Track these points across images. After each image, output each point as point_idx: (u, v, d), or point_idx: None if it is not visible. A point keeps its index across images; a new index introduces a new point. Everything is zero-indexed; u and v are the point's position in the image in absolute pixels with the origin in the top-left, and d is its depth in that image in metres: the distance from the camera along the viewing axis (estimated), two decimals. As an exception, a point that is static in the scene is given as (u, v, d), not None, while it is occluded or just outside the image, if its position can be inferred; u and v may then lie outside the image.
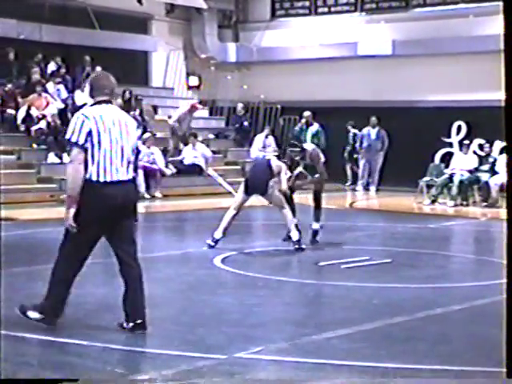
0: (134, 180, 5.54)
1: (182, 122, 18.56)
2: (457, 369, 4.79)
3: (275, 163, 9.62)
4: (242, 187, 9.60)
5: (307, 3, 21.72)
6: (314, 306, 6.68)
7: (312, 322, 5.96)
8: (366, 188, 19.50)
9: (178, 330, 5.70)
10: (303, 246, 9.37)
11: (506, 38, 3.18)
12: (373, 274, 8.15)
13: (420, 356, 5.02)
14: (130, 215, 5.60)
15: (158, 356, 4.91)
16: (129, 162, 5.41)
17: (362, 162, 19.62)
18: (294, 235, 9.39)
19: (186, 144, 18.18)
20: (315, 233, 10.05)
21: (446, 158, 17.05)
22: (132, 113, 18.78)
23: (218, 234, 9.43)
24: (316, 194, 10.21)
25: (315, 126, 19.69)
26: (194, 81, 22.46)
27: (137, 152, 13.86)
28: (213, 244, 9.38)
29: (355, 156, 19.96)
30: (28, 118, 16.96)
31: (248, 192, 9.51)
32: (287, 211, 9.50)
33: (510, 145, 3.28)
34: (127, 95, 18.86)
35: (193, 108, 18.87)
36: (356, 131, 19.97)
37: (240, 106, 21.16)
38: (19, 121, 16.93)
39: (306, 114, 19.69)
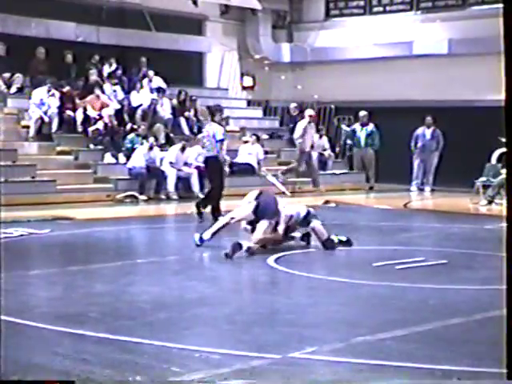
0: None
1: (305, 135, 18.07)
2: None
3: (282, 206, 9.49)
4: (251, 207, 9.27)
5: (362, 3, 21.62)
6: (369, 306, 6.65)
7: (367, 323, 5.93)
8: (421, 188, 19.33)
9: (232, 329, 5.74)
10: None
11: (506, 39, 3.18)
12: (428, 274, 8.08)
13: (477, 358, 4.96)
14: None
15: (212, 355, 4.94)
16: None
17: (416, 162, 19.44)
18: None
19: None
20: None
21: (503, 158, 16.78)
22: (187, 113, 18.97)
23: (206, 235, 9.26)
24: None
25: (370, 126, 19.61)
26: (248, 81, 22.55)
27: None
28: (199, 244, 9.23)
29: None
30: (85, 119, 17.25)
31: (257, 215, 9.22)
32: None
33: (510, 145, 3.28)
34: (182, 96, 19.04)
35: (311, 118, 18.37)
36: (347, 129, 20.00)
37: (293, 105, 21.14)
38: (78, 122, 17.23)
39: (362, 113, 19.60)
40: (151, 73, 19.02)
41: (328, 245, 9.51)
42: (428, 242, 10.88)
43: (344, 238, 9.70)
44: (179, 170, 16.48)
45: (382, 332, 5.54)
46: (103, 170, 16.55)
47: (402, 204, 16.20)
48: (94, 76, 18.05)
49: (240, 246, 8.75)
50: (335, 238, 9.66)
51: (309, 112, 18.51)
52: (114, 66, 18.95)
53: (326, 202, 15.79)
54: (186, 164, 16.69)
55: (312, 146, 18.16)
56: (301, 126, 18.13)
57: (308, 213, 9.54)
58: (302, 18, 22.93)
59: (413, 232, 12.24)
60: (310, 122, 18.13)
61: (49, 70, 17.78)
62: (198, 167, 16.62)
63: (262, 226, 9.19)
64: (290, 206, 9.74)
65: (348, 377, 4.64)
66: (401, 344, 5.30)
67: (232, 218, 9.37)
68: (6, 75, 17.49)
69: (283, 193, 16.32)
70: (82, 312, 6.08)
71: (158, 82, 19.00)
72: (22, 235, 10.46)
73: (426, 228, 12.72)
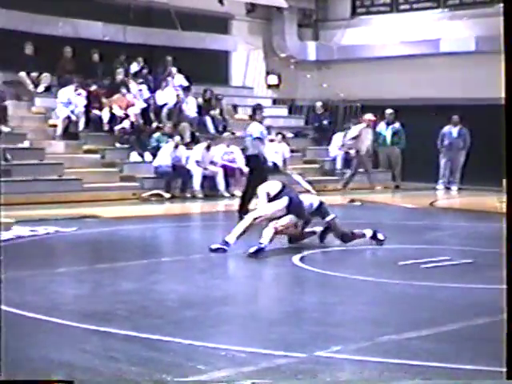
0: None
1: (359, 137, 17.64)
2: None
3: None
4: (284, 203, 9.16)
5: (388, 0, 21.53)
6: (395, 305, 6.63)
7: (392, 322, 5.92)
8: (447, 187, 19.23)
9: (258, 327, 5.76)
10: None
11: (507, 39, 3.18)
12: (454, 274, 8.04)
13: (504, 358, 4.92)
14: None
15: (238, 353, 4.96)
16: None
17: (443, 161, 19.35)
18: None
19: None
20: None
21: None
22: (212, 112, 19.01)
23: (231, 239, 8.97)
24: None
25: (396, 125, 19.52)
26: (273, 80, 22.55)
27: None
28: (226, 249, 8.90)
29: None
30: (112, 118, 17.36)
31: (290, 210, 9.15)
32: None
33: (510, 145, 3.27)
34: (208, 95, 19.09)
35: (370, 122, 17.94)
36: None
37: (318, 104, 21.12)
38: (105, 121, 17.34)
39: (388, 111, 19.51)
40: (174, 70, 19.08)
41: (345, 239, 9.52)
42: (454, 241, 10.81)
43: (382, 237, 9.67)
44: (205, 168, 16.53)
45: (407, 331, 5.53)
46: (129, 169, 16.65)
47: (428, 203, 16.13)
48: (120, 75, 18.15)
49: (263, 249, 8.74)
50: (369, 232, 9.66)
51: (368, 116, 18.04)
52: (141, 64, 19.04)
53: (352, 200, 15.77)
54: (211, 163, 16.74)
55: (368, 151, 17.84)
56: (357, 128, 17.77)
57: (321, 204, 9.57)
58: (328, 16, 22.88)
59: (439, 231, 12.18)
60: (367, 126, 17.80)
61: (76, 69, 17.92)
62: (223, 166, 16.67)
63: (288, 218, 9.19)
64: (304, 198, 9.70)
65: (373, 376, 4.64)
66: (426, 343, 5.28)
67: (255, 219, 9.18)
68: (34, 74, 17.66)
69: (308, 191, 16.28)
70: (109, 310, 6.13)
71: (180, 79, 19.05)
72: (49, 233, 10.56)
73: (452, 227, 12.65)
